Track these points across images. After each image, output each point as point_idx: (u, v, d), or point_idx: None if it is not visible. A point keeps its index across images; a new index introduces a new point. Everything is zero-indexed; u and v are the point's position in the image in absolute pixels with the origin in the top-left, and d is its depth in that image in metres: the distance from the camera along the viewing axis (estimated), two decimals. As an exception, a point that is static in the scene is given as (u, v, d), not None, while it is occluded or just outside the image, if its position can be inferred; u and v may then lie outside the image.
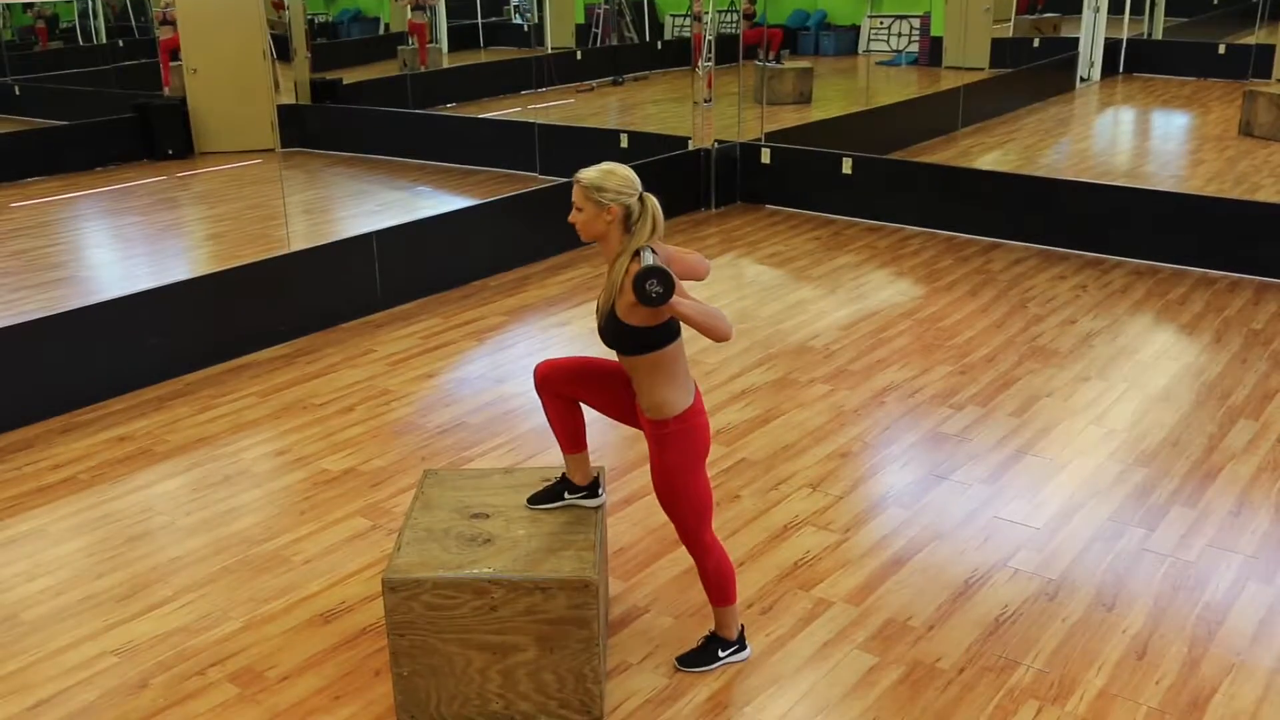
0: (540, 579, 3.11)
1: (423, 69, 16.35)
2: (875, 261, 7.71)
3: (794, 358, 5.99)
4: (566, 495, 3.47)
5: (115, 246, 9.01)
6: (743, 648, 3.53)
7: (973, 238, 8.21)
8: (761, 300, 6.95)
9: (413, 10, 16.68)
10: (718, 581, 3.40)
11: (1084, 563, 4.02)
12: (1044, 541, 4.16)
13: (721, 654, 3.49)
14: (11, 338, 5.44)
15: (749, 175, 9.32)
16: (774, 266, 7.70)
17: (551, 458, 4.81)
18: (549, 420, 3.44)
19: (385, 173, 11.36)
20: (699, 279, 3.34)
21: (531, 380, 3.44)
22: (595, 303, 3.23)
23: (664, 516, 4.31)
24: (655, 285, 2.91)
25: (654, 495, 3.31)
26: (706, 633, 3.55)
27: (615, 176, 3.07)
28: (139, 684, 3.49)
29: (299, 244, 7.59)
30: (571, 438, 3.43)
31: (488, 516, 3.42)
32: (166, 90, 13.62)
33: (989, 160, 10.92)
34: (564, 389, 3.38)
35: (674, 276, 2.93)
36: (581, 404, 3.42)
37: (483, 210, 8.09)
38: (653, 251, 3.05)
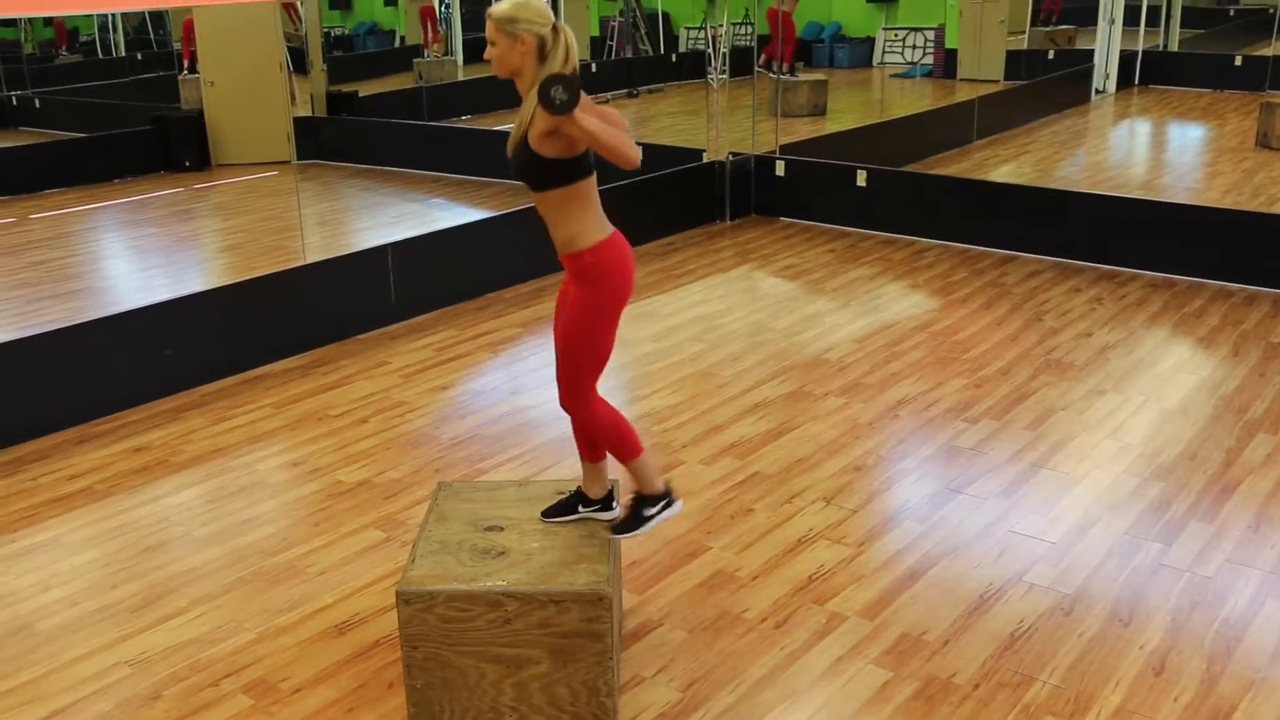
0: (554, 592, 3.11)
1: (436, 48, 16.35)
2: (890, 274, 7.70)
3: (808, 371, 5.98)
4: (581, 508, 3.47)
5: (132, 258, 9.06)
6: (671, 501, 3.41)
7: (988, 250, 8.19)
8: (776, 313, 6.94)
9: None
10: (616, 435, 3.30)
11: (1100, 577, 4.00)
12: (1060, 556, 4.14)
13: (648, 513, 3.37)
14: (30, 348, 5.47)
15: (763, 188, 9.32)
16: (788, 279, 7.69)
17: (565, 470, 4.81)
18: (574, 428, 3.44)
19: (401, 185, 11.40)
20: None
21: (549, 391, 3.43)
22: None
23: (679, 529, 4.33)
24: (560, 91, 2.87)
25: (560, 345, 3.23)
26: (630, 496, 3.43)
27: (528, 8, 3.07)
28: (153, 695, 3.49)
29: (315, 255, 7.61)
30: (592, 446, 3.44)
31: (502, 529, 3.42)
32: (185, 66, 13.61)
33: (1004, 173, 10.89)
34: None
35: (580, 86, 2.89)
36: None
37: (498, 222, 8.10)
38: None
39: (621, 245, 3.23)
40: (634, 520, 3.40)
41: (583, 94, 2.95)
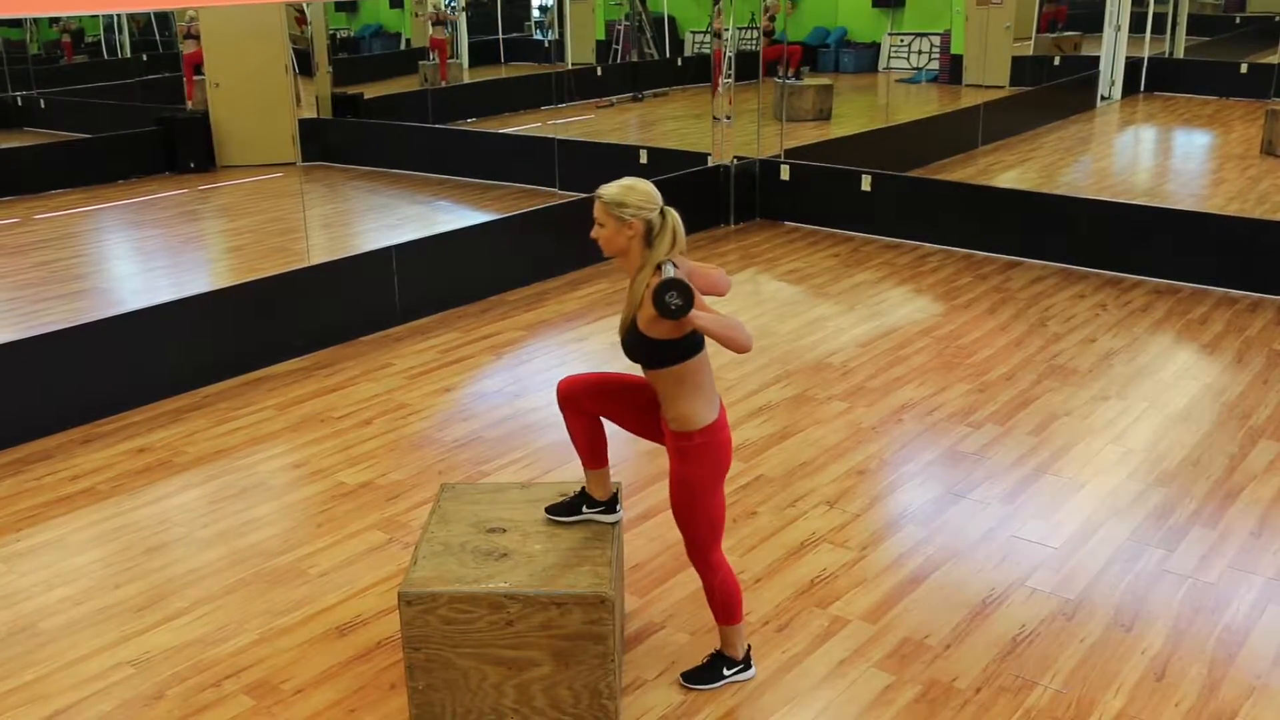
0: (556, 594, 3.11)
1: (443, 84, 16.45)
2: (894, 279, 7.70)
3: (812, 374, 5.98)
4: (584, 510, 3.47)
5: (136, 259, 9.07)
6: (748, 667, 3.51)
7: (992, 256, 8.19)
8: (780, 317, 6.94)
9: (433, 26, 16.81)
10: (724, 600, 3.39)
11: (1102, 583, 3.99)
12: (1062, 561, 4.14)
13: (726, 673, 3.47)
14: (33, 348, 5.48)
15: (768, 192, 9.32)
16: (792, 283, 7.69)
17: (568, 473, 4.81)
18: (571, 435, 3.44)
19: (405, 187, 11.41)
20: (720, 294, 3.35)
21: (552, 394, 3.45)
22: (617, 317, 3.25)
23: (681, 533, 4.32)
24: (675, 298, 2.93)
25: (670, 510, 3.30)
26: (713, 650, 3.53)
27: (636, 192, 3.09)
28: (155, 695, 3.50)
29: (319, 257, 7.63)
30: (594, 453, 3.44)
31: (504, 531, 3.42)
32: (189, 104, 13.73)
33: (1009, 178, 10.89)
34: (587, 405, 3.38)
35: (693, 289, 2.95)
36: (604, 419, 3.43)
37: (502, 225, 8.11)
38: (673, 265, 3.06)
39: (724, 427, 3.23)
40: (710, 674, 3.47)
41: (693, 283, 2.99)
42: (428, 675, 3.19)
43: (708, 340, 3.12)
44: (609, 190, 3.10)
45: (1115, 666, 3.54)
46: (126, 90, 15.48)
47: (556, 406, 3.42)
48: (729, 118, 9.44)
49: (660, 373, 3.15)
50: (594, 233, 3.14)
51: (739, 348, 3.02)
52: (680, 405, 3.16)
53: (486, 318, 7.08)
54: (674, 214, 3.12)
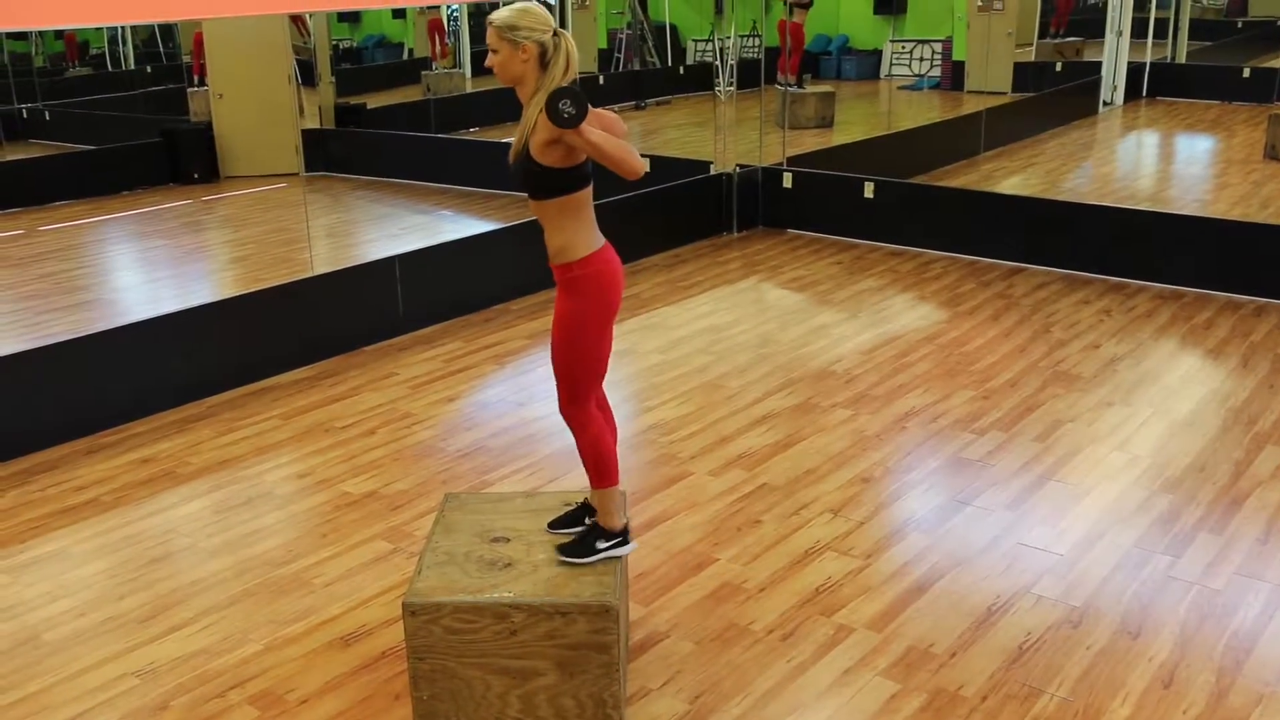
0: (561, 603, 3.11)
1: (444, 62, 16.45)
2: (897, 286, 7.70)
3: (815, 382, 5.98)
4: (588, 520, 3.46)
5: (140, 269, 9.08)
6: (625, 541, 3.38)
7: (995, 262, 8.18)
8: (783, 325, 6.94)
9: (427, 9, 16.86)
10: (596, 457, 3.31)
11: (1108, 590, 3.98)
12: (1067, 568, 4.12)
13: (600, 545, 3.33)
14: (38, 360, 5.48)
15: (771, 199, 9.32)
16: (795, 291, 7.69)
17: (571, 481, 4.81)
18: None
19: (408, 196, 11.42)
20: (616, 136, 3.25)
21: (554, 404, 3.43)
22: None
23: (686, 540, 4.33)
24: (569, 105, 2.89)
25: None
26: (589, 521, 3.42)
27: (529, 15, 3.08)
28: (159, 706, 3.49)
29: (322, 267, 7.64)
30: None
31: (508, 540, 3.42)
32: (196, 77, 13.70)
33: (1011, 184, 10.89)
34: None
35: (586, 100, 2.91)
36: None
37: (505, 234, 8.11)
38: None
39: (610, 258, 3.24)
40: (583, 547, 3.34)
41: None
42: (432, 685, 3.19)
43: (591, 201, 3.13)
44: (501, 15, 3.08)
45: (1122, 674, 3.53)
46: (130, 102, 15.51)
47: (559, 415, 3.41)
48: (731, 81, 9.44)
49: (546, 203, 3.15)
50: (489, 60, 3.13)
51: (630, 170, 2.96)
52: (562, 236, 3.17)
53: (490, 327, 7.08)
54: (567, 36, 3.11)
